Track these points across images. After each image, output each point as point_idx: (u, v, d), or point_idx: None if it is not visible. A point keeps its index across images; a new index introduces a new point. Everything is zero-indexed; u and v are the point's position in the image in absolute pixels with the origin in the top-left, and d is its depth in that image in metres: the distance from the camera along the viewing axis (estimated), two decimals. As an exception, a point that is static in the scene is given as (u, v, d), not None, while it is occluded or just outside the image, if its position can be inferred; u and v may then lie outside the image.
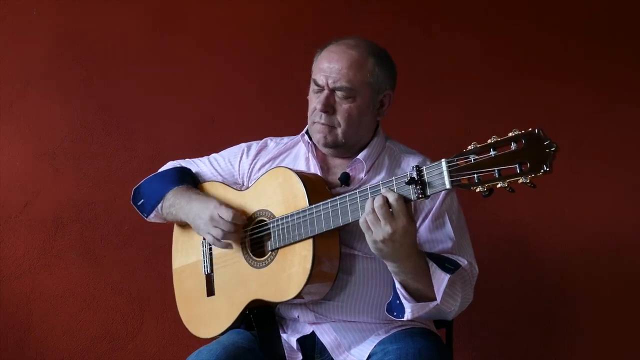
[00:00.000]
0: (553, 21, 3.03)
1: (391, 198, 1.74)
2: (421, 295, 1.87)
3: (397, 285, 1.87)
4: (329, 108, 2.02)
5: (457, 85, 3.01)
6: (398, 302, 1.89)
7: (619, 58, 2.99)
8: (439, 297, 1.85)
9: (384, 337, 1.98)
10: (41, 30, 2.98)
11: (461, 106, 2.97)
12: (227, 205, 2.05)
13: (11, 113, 2.95)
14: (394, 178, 1.76)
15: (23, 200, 2.91)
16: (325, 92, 2.02)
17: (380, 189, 1.78)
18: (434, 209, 2.00)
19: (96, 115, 2.97)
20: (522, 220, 2.94)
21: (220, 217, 2.03)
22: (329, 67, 2.02)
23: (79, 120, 2.97)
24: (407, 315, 1.87)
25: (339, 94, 2.02)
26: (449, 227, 1.98)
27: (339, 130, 2.04)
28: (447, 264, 1.87)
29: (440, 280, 1.84)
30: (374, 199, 1.75)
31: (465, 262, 1.94)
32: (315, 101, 2.05)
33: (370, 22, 3.02)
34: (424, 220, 2.00)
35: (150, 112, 2.99)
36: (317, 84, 2.05)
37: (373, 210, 1.75)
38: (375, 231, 1.75)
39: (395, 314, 1.90)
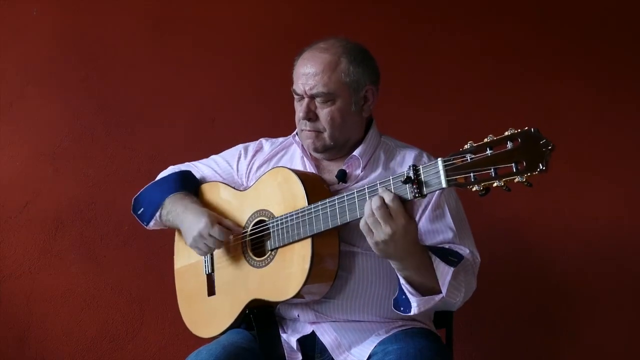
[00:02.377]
0: (553, 21, 3.03)
1: (387, 198, 1.74)
2: (426, 288, 1.87)
3: (402, 281, 1.87)
4: (311, 115, 2.04)
5: (456, 85, 3.01)
6: (404, 297, 1.88)
7: (619, 58, 2.99)
8: (444, 291, 1.85)
9: (384, 337, 1.98)
10: (41, 30, 2.98)
11: (461, 106, 2.97)
12: (220, 225, 2.06)
13: (11, 113, 2.95)
14: (391, 177, 1.76)
15: (23, 200, 2.91)
16: (305, 100, 2.04)
17: (377, 189, 1.78)
18: (432, 199, 2.00)
19: (96, 115, 2.97)
20: (522, 220, 2.94)
21: (211, 236, 2.05)
22: (304, 74, 2.03)
23: (79, 120, 2.97)
24: (414, 310, 1.87)
25: (318, 99, 2.03)
26: (448, 217, 1.99)
27: (326, 135, 2.05)
28: (450, 257, 1.87)
29: (445, 273, 1.84)
30: (371, 201, 1.75)
31: (467, 252, 1.95)
32: (298, 109, 2.07)
33: (370, 22, 3.02)
34: (423, 211, 2.00)
35: (150, 112, 2.99)
36: (296, 93, 2.06)
37: (372, 212, 1.75)
38: (377, 233, 1.75)
39: (402, 309, 1.90)
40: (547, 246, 2.92)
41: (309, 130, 2.05)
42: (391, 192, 1.74)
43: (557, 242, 2.91)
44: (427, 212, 2.00)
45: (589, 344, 2.88)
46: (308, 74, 2.02)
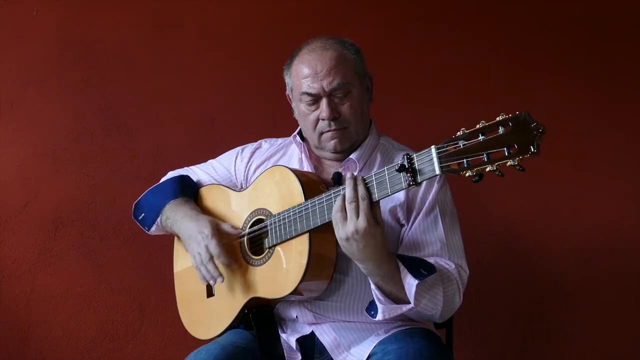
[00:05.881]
0: (553, 21, 3.03)
1: (361, 192, 1.75)
2: (397, 297, 1.86)
3: (372, 286, 1.87)
4: (335, 113, 2.02)
5: (456, 85, 3.01)
6: (373, 301, 1.89)
7: (619, 58, 2.99)
8: (412, 301, 1.84)
9: (383, 337, 1.98)
10: (41, 30, 2.98)
11: (461, 106, 2.96)
12: (218, 236, 2.03)
13: (11, 113, 2.95)
14: (385, 168, 1.76)
15: (23, 200, 2.91)
16: (325, 99, 2.02)
17: (371, 180, 1.78)
18: (426, 203, 1.99)
19: (96, 115, 2.98)
20: (522, 220, 2.94)
21: (207, 249, 2.03)
22: (315, 75, 2.01)
23: (79, 120, 2.97)
24: (379, 316, 1.87)
25: (337, 94, 2.02)
26: (440, 227, 1.98)
27: (352, 128, 2.04)
28: (422, 269, 1.84)
29: (410, 285, 1.83)
30: (345, 194, 1.77)
31: (453, 266, 1.93)
32: (314, 113, 2.05)
33: (370, 22, 3.02)
34: (415, 217, 1.99)
35: (150, 112, 3.00)
36: (310, 95, 2.03)
37: (343, 207, 1.76)
38: (342, 227, 1.77)
39: (372, 312, 1.90)
40: (547, 246, 2.92)
41: (335, 130, 2.03)
42: (365, 189, 1.75)
43: (557, 242, 2.91)
44: (419, 218, 1.99)
45: (589, 344, 2.88)
46: (320, 72, 2.00)
